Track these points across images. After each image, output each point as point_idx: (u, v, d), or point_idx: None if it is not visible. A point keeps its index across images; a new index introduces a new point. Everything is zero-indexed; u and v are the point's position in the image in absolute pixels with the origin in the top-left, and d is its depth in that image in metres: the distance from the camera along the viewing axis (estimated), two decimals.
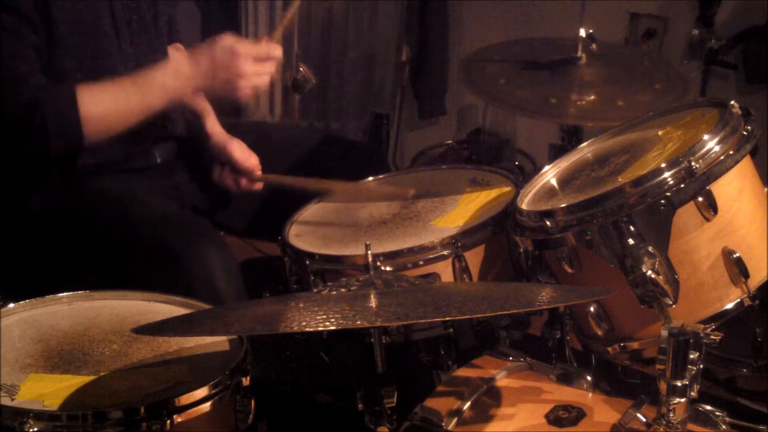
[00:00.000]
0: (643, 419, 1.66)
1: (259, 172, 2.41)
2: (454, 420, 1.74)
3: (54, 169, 2.21)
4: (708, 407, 1.71)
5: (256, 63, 2.23)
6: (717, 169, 1.76)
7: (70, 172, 2.22)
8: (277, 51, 2.27)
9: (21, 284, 2.10)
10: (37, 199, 2.23)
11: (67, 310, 1.89)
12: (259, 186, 2.43)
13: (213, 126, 2.46)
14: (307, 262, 2.02)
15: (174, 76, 2.20)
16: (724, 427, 1.69)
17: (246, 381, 1.69)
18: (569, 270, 1.83)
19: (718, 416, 1.70)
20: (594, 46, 2.36)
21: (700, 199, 1.74)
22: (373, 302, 1.47)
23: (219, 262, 2.07)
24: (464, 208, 2.13)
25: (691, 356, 1.58)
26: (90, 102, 2.13)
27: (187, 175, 2.47)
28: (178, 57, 2.34)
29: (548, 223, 1.82)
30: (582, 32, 2.34)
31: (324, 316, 1.40)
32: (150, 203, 2.25)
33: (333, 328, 1.37)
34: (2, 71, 2.09)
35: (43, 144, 2.10)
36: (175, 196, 2.38)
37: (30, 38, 2.10)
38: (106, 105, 2.15)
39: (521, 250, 1.92)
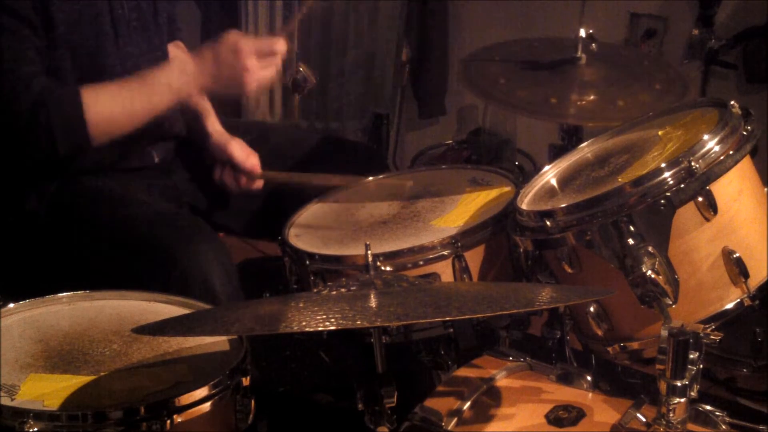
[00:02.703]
0: (643, 419, 1.66)
1: (259, 171, 2.41)
2: (454, 420, 1.74)
3: (51, 169, 2.21)
4: (708, 407, 1.71)
5: (260, 58, 2.22)
6: (717, 169, 1.76)
7: (66, 172, 2.22)
8: (281, 45, 2.25)
9: (20, 284, 2.10)
10: (33, 198, 2.23)
11: (67, 310, 1.89)
12: (259, 184, 2.43)
13: (213, 125, 2.46)
14: (307, 262, 2.02)
15: (179, 75, 2.20)
16: (724, 427, 1.69)
17: (246, 381, 1.69)
18: (569, 270, 1.83)
19: (718, 416, 1.70)
20: (594, 46, 2.36)
21: (700, 199, 1.74)
22: (373, 302, 1.47)
23: (215, 262, 2.06)
24: (464, 208, 2.13)
25: (691, 356, 1.58)
26: (95, 103, 2.12)
27: (185, 174, 2.47)
28: (182, 57, 2.34)
29: (548, 223, 1.82)
30: (582, 32, 2.34)
31: (324, 316, 1.40)
32: (147, 203, 2.25)
33: (333, 328, 1.37)
34: (5, 73, 2.08)
35: (49, 145, 2.10)
36: (173, 195, 2.38)
37: (31, 40, 2.10)
38: (111, 106, 2.15)
39: (521, 250, 1.92)
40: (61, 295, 1.92)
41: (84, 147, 2.14)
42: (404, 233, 2.07)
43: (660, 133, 1.98)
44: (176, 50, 2.46)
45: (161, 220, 2.18)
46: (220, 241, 2.17)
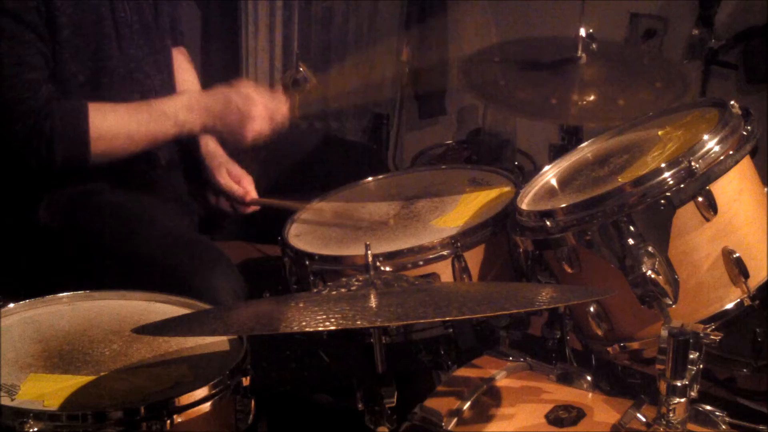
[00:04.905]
0: (643, 419, 1.66)
1: (249, 197, 2.39)
2: (454, 420, 1.74)
3: (58, 175, 2.20)
4: (708, 407, 1.71)
5: (266, 111, 2.26)
6: (717, 169, 1.76)
7: (71, 178, 2.21)
8: (286, 108, 2.33)
9: (20, 284, 2.10)
10: (43, 210, 2.22)
11: (67, 310, 1.89)
12: (254, 208, 2.42)
13: (206, 146, 2.43)
14: (307, 263, 2.02)
15: (186, 110, 2.22)
16: (724, 427, 1.69)
17: (246, 381, 1.69)
18: (569, 270, 1.83)
19: (718, 416, 1.70)
20: (594, 45, 2.36)
21: (700, 199, 1.74)
22: (373, 302, 1.47)
23: (225, 282, 2.06)
24: (464, 208, 2.13)
25: (691, 356, 1.58)
26: (100, 121, 2.12)
27: (184, 180, 2.45)
28: (194, 92, 2.37)
29: (548, 223, 1.82)
30: (582, 32, 2.34)
31: (324, 316, 1.40)
32: (156, 220, 2.24)
33: (333, 328, 1.37)
34: (7, 79, 2.08)
35: (46, 156, 2.10)
36: (180, 209, 2.37)
37: (36, 45, 2.09)
38: (115, 127, 2.15)
39: (521, 250, 1.92)
40: (61, 295, 1.92)
41: (81, 163, 2.13)
42: (404, 233, 2.07)
43: (660, 133, 1.99)
44: (187, 77, 2.46)
45: (171, 239, 2.18)
46: (230, 260, 2.16)
